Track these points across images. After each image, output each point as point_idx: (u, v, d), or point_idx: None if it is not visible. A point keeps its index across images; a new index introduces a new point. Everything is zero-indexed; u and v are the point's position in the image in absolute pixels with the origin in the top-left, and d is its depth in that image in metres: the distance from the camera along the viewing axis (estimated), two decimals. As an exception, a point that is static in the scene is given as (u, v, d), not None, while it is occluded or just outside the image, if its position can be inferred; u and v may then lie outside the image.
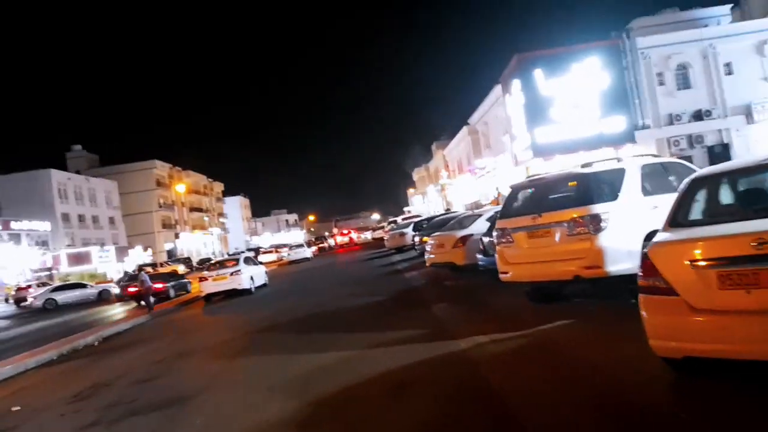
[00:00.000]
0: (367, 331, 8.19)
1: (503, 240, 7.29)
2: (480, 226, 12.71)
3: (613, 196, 6.42)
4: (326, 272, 24.01)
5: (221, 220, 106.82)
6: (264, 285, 20.73)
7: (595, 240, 6.15)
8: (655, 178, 7.01)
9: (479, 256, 10.77)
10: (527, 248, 6.91)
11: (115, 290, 32.85)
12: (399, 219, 43.25)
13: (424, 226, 23.09)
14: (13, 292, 41.20)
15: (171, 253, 77.31)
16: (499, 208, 14.18)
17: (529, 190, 7.49)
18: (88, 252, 62.75)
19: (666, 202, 6.97)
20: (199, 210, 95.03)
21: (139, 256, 67.78)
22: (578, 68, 29.56)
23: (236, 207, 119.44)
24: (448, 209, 50.44)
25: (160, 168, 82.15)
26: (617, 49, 30.13)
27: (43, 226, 58.44)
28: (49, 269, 57.10)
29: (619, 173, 6.71)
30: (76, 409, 6.71)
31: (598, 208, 6.20)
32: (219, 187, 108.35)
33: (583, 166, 6.88)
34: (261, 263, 22.14)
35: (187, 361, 8.74)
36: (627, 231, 6.25)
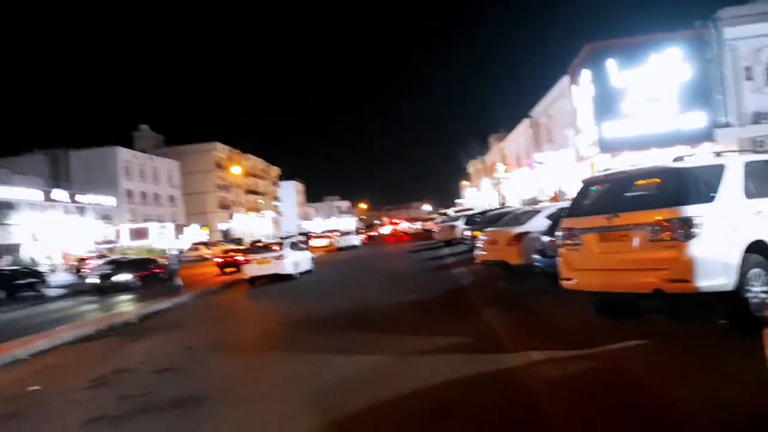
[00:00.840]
0: (409, 334, 7.39)
1: (569, 242, 6.26)
2: (538, 224, 11.59)
3: (710, 197, 5.28)
4: (373, 262, 23.35)
5: (275, 203, 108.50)
6: (309, 271, 20.28)
7: (684, 248, 5.05)
8: (760, 178, 5.81)
9: (536, 256, 9.71)
10: (598, 253, 5.86)
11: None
12: (450, 211, 42.18)
13: (477, 220, 21.99)
14: (75, 262, 43.00)
15: (226, 234, 79.09)
16: (559, 205, 13.01)
17: (605, 186, 6.38)
18: (147, 228, 65.06)
19: (774, 206, 5.83)
20: (255, 193, 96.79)
21: (195, 234, 69.74)
22: (656, 59, 27.37)
23: (291, 191, 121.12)
24: (502, 204, 48.83)
25: (220, 150, 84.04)
26: (702, 40, 27.67)
27: (107, 200, 60.88)
28: (111, 242, 59.59)
29: (718, 170, 5.55)
30: (90, 396, 6.27)
31: (690, 211, 5.09)
32: (276, 171, 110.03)
33: (674, 160, 5.75)
34: (306, 248, 21.66)
35: (215, 352, 8.21)
36: (724, 239, 5.12)
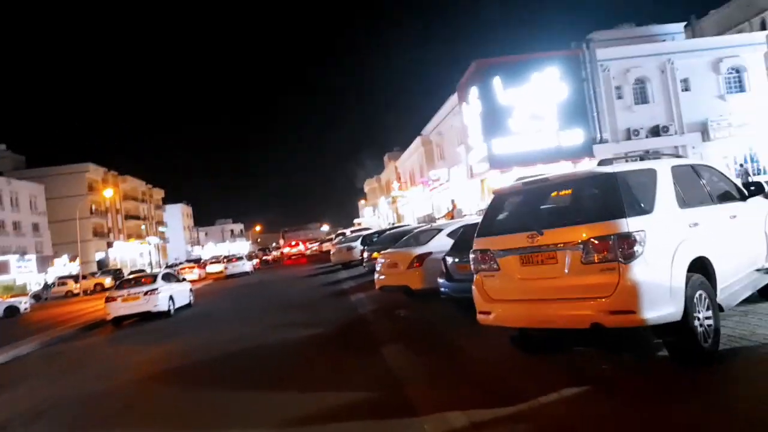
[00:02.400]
0: (293, 389, 5.93)
1: (484, 266, 5.19)
2: (441, 243, 10.64)
3: (647, 206, 4.43)
4: (264, 290, 21.42)
5: (160, 228, 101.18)
6: (188, 305, 17.98)
7: (626, 271, 4.13)
8: (687, 185, 5.13)
9: (441, 280, 8.67)
10: (520, 279, 4.83)
11: (25, 305, 28.87)
12: (347, 231, 40.99)
13: (375, 240, 20.95)
14: None
15: (101, 264, 71.93)
16: (460, 221, 12.23)
17: (521, 197, 5.38)
18: (6, 261, 57.20)
19: (707, 216, 5.19)
20: (136, 218, 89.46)
21: (64, 266, 62.50)
22: (538, 78, 28.37)
23: (177, 215, 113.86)
24: (392, 223, 48.63)
25: (94, 172, 76.75)
26: (577, 60, 29.18)
27: (-49, 231, 52.57)
28: (-41, 280, 51.43)
29: (650, 175, 4.75)
30: None
31: (630, 224, 4.18)
32: (159, 193, 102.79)
33: (600, 163, 4.90)
34: (185, 279, 19.29)
35: (36, 425, 6.17)
36: (667, 258, 4.28)
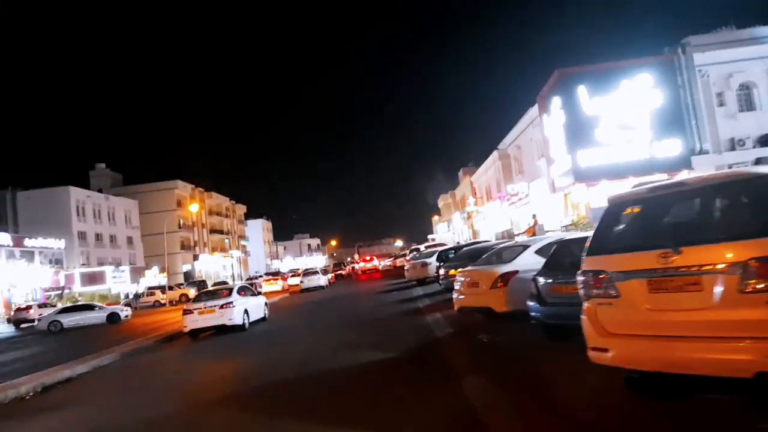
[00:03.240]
0: (361, 422, 5.19)
1: (597, 292, 4.24)
2: (527, 261, 9.65)
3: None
4: (337, 305, 21.02)
5: (242, 242, 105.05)
6: (263, 319, 17.86)
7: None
8: None
9: (531, 304, 7.69)
10: (648, 310, 3.84)
11: (126, 312, 30.05)
12: (422, 247, 40.20)
13: (451, 256, 20.02)
14: (12, 312, 39.16)
15: (188, 275, 75.32)
16: (549, 237, 11.11)
17: (646, 207, 4.36)
18: (102, 272, 61.16)
19: None
20: (220, 232, 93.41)
21: (154, 277, 65.91)
22: (627, 85, 26.47)
23: (258, 230, 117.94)
24: (468, 239, 47.22)
25: (182, 188, 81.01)
26: (672, 66, 27.00)
27: (56, 243, 56.98)
28: (62, 288, 55.43)
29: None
30: None
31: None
32: (241, 209, 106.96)
33: (757, 162, 3.86)
34: (260, 293, 19.23)
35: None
36: None
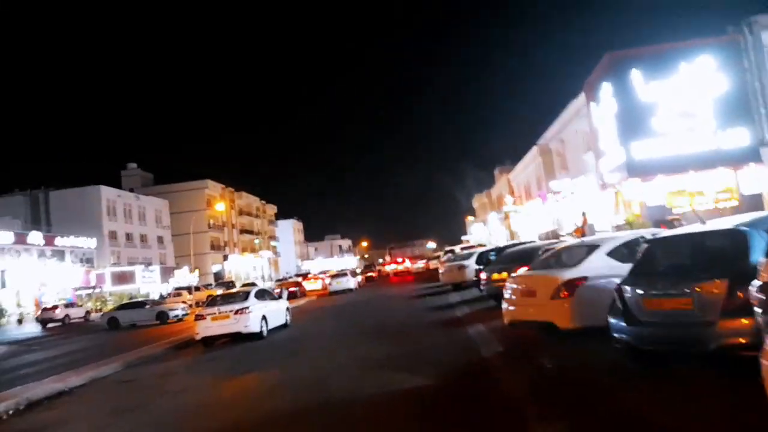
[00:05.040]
0: None
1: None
2: (599, 265, 7.66)
3: None
4: (366, 312, 19.25)
5: (273, 243, 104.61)
6: (284, 325, 16.25)
7: None
8: None
9: (614, 320, 5.73)
10: None
11: (176, 312, 28.21)
12: (457, 248, 38.09)
13: (492, 258, 18.01)
14: (38, 312, 38.76)
15: (218, 276, 74.96)
16: (627, 235, 9.01)
17: None
18: (132, 271, 61.02)
19: None
20: (250, 232, 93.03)
21: (184, 277, 65.59)
22: (687, 69, 23.92)
23: (289, 230, 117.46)
24: (499, 243, 44.80)
25: (212, 188, 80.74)
26: (737, 47, 24.29)
27: (87, 243, 57.02)
28: (92, 288, 55.43)
29: None
30: None
31: None
32: (272, 209, 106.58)
33: None
34: (281, 297, 17.60)
35: None
36: None
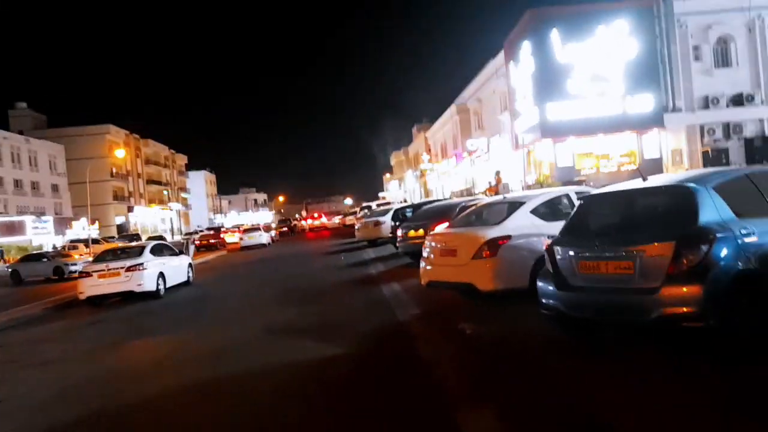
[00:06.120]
0: None
1: None
2: (522, 223, 7.26)
3: None
4: (278, 268, 18.35)
5: (183, 195, 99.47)
6: (186, 283, 14.99)
7: None
8: None
9: (543, 284, 5.28)
10: None
11: (75, 266, 24.81)
12: (374, 205, 37.68)
13: (408, 215, 17.57)
14: None
15: (121, 228, 70.30)
16: (555, 191, 8.64)
17: None
18: (22, 221, 55.63)
19: None
20: (158, 183, 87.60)
21: (83, 229, 60.75)
22: (603, 32, 24.26)
23: (201, 182, 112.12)
24: (414, 200, 44.96)
25: (115, 134, 74.60)
26: (650, 13, 24.93)
27: (-35, 189, 50.90)
28: (-28, 239, 49.89)
29: None
30: None
31: None
32: (182, 159, 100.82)
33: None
34: (182, 252, 16.22)
35: None
36: None
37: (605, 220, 5.21)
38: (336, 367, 5.60)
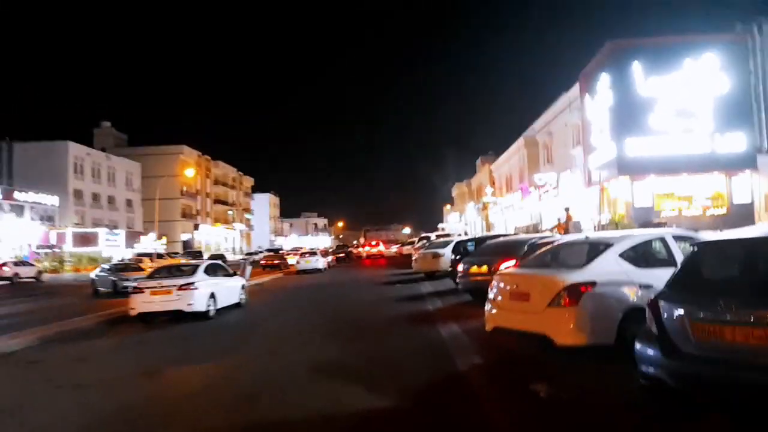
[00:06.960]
0: None
1: None
2: (610, 268, 6.22)
3: None
4: (331, 296, 17.76)
5: (247, 216, 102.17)
6: (238, 305, 14.61)
7: None
8: None
9: (642, 347, 4.29)
10: None
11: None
12: (433, 236, 36.73)
13: (470, 248, 16.58)
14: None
15: (187, 245, 72.58)
16: (645, 233, 7.50)
17: None
18: (96, 233, 58.37)
19: None
20: (225, 203, 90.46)
21: (150, 243, 63.12)
22: (691, 65, 22.68)
23: (265, 204, 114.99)
24: (475, 234, 43.50)
25: (188, 154, 77.87)
26: (744, 47, 23.15)
27: (50, 200, 54.22)
28: (52, 247, 52.73)
29: None
30: None
31: None
32: (249, 181, 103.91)
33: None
34: (236, 274, 15.92)
35: None
36: None
37: (728, 274, 4.17)
38: (383, 423, 4.76)
